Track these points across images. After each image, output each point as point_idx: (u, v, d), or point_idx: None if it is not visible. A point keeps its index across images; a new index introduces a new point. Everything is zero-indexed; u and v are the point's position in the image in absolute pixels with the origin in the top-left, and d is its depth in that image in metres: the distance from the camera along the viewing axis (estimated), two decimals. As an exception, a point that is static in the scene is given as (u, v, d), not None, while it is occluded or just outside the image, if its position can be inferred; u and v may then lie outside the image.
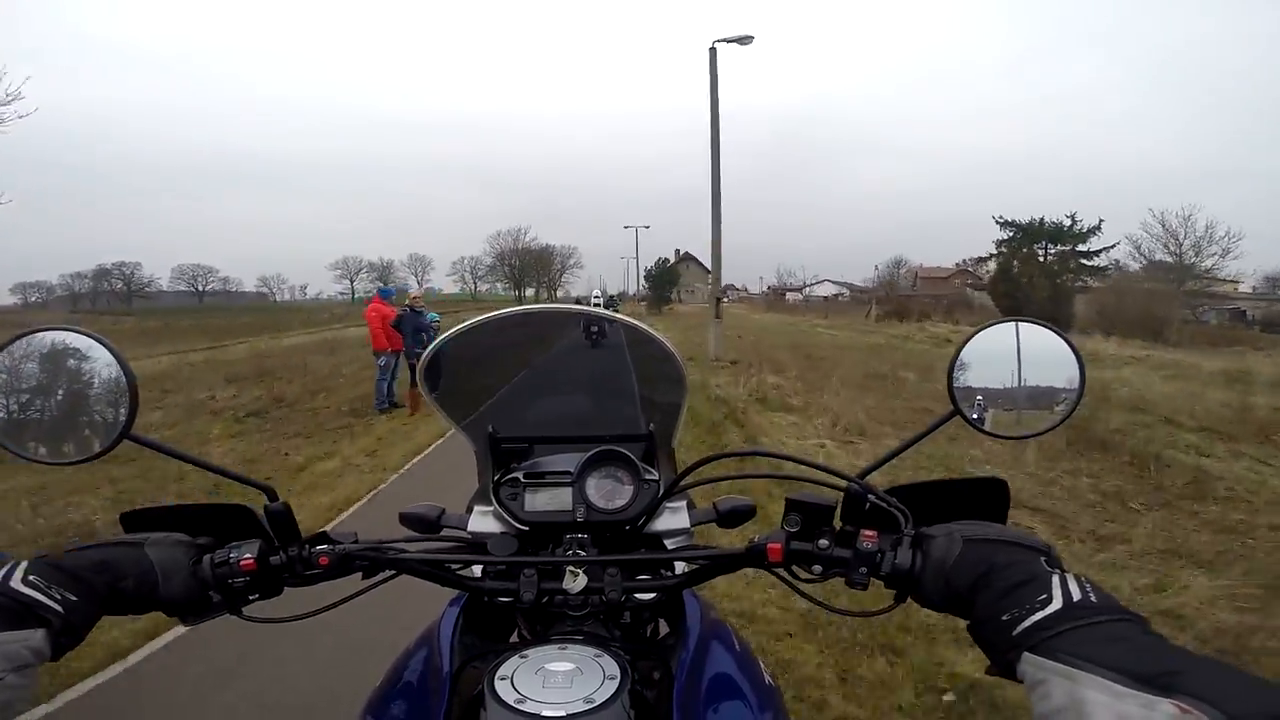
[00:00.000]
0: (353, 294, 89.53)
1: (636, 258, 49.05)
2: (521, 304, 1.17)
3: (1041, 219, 31.05)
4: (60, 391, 0.60)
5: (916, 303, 35.09)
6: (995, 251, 32.53)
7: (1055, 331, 0.63)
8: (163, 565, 0.58)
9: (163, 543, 0.60)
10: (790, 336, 18.86)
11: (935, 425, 0.64)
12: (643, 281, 45.12)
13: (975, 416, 0.64)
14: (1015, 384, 0.64)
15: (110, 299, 73.78)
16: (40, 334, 0.59)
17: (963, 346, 0.64)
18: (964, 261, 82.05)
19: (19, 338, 0.58)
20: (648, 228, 49.76)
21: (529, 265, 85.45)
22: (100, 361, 0.59)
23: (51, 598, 0.50)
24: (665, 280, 42.97)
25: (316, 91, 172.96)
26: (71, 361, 0.59)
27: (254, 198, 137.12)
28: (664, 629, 0.82)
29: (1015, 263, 29.78)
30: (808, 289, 62.93)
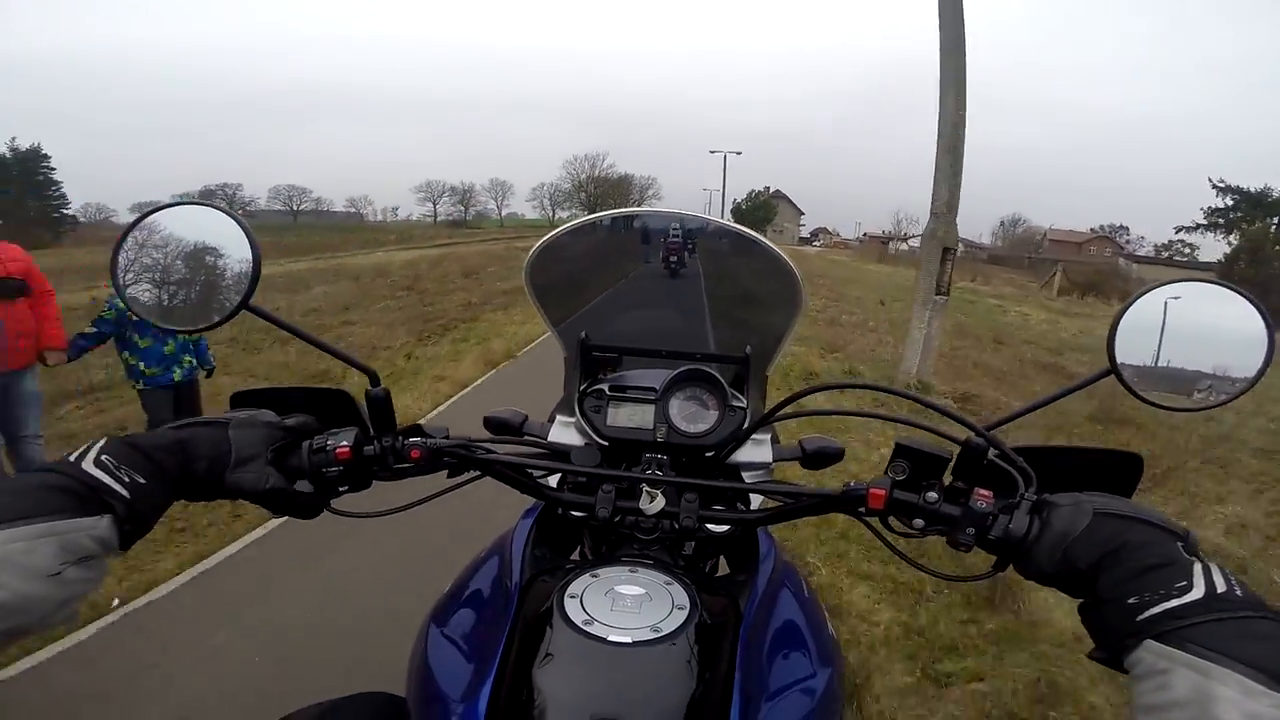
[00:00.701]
0: (435, 215, 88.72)
1: (723, 187, 41.63)
2: None
3: (1266, 188, 25.09)
4: (190, 262, 0.62)
5: (1106, 276, 28.57)
6: (1208, 221, 25.48)
7: (1243, 294, 0.55)
8: (239, 448, 0.57)
9: (246, 423, 0.59)
10: (970, 318, 12.81)
11: (1086, 382, 0.58)
12: (728, 216, 38.98)
13: (1131, 378, 0.58)
14: (1187, 350, 0.58)
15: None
16: (177, 208, 0.61)
17: (1131, 304, 0.57)
18: (1101, 227, 71.41)
19: (157, 210, 0.60)
20: (739, 153, 42.12)
21: (606, 193, 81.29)
22: (229, 236, 0.60)
23: (120, 480, 0.48)
24: (758, 216, 37.17)
25: (405, 28, 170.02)
26: (203, 235, 0.62)
27: (344, 128, 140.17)
28: (723, 568, 0.80)
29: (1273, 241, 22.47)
30: (912, 240, 55.85)
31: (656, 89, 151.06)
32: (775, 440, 0.84)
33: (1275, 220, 24.20)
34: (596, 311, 0.92)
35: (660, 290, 0.97)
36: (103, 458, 0.48)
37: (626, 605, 0.55)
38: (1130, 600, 0.44)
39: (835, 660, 0.68)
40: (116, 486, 0.47)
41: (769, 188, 76.44)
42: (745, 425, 0.76)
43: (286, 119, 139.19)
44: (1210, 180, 25.20)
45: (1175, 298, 0.57)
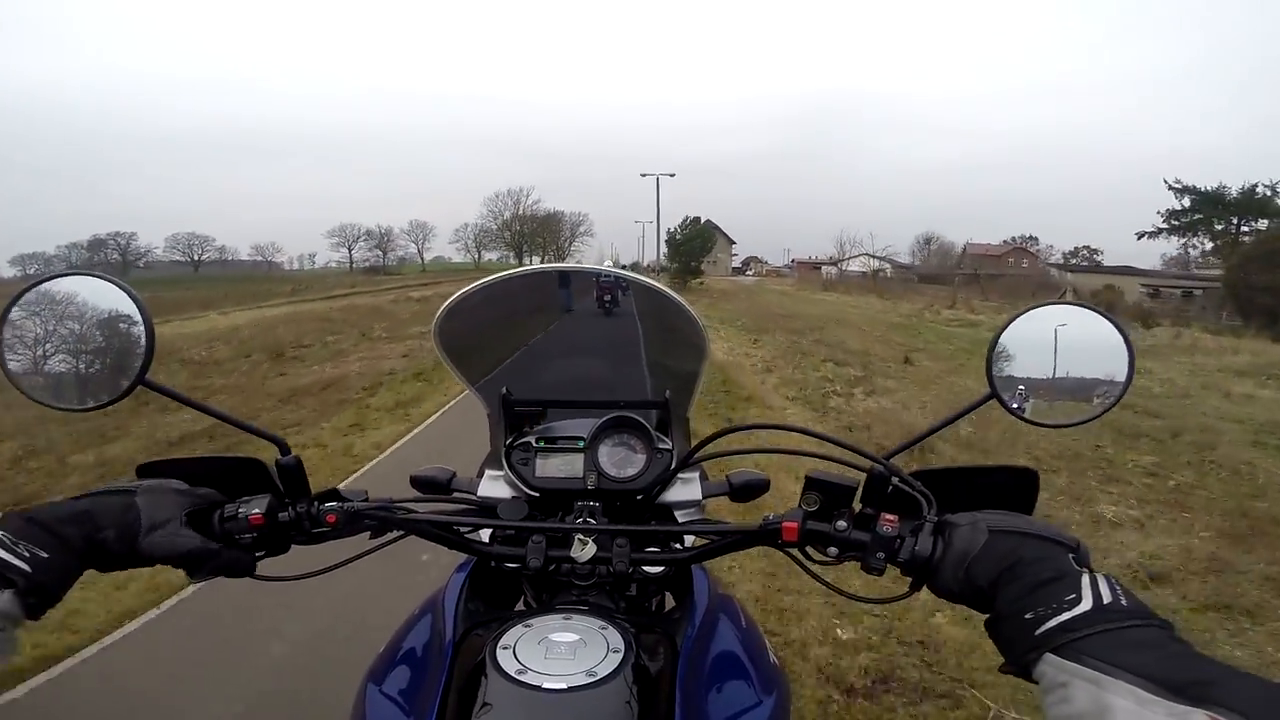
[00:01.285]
0: (350, 262, 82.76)
1: (657, 211, 38.15)
2: None
3: (1221, 186, 24.62)
4: (79, 337, 0.60)
5: (1016, 284, 27.96)
6: (1166, 225, 24.44)
7: (1107, 317, 0.61)
8: (149, 515, 0.56)
9: (155, 490, 0.58)
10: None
11: (970, 408, 0.62)
12: (663, 246, 35.26)
13: (1014, 404, 0.62)
14: (1057, 371, 0.62)
15: (106, 270, 72.04)
16: (62, 279, 0.59)
17: (1004, 329, 0.62)
18: (1013, 239, 73.34)
19: (41, 282, 0.58)
20: (672, 175, 39.04)
21: (534, 232, 77.68)
22: (121, 306, 0.59)
23: (19, 555, 0.48)
24: (694, 246, 32.68)
25: (320, 66, 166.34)
26: (91, 307, 0.60)
27: (254, 169, 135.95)
28: (670, 603, 0.82)
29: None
30: (844, 264, 55.36)
31: (586, 127, 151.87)
32: (704, 478, 0.87)
33: (1234, 219, 23.36)
34: (515, 366, 0.94)
35: (584, 338, 1.00)
36: None
37: (560, 652, 0.55)
38: (1027, 615, 0.46)
39: (779, 687, 0.70)
40: (16, 561, 0.48)
41: (700, 218, 75.66)
42: (672, 466, 0.78)
43: (187, 162, 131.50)
44: (1166, 182, 24.90)
45: (1043, 322, 0.62)
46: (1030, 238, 76.79)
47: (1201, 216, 23.64)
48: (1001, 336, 0.62)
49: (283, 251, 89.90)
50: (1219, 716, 0.34)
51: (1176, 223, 24.62)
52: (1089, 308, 0.62)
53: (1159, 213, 24.80)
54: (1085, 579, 0.46)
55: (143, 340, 0.58)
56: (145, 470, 0.65)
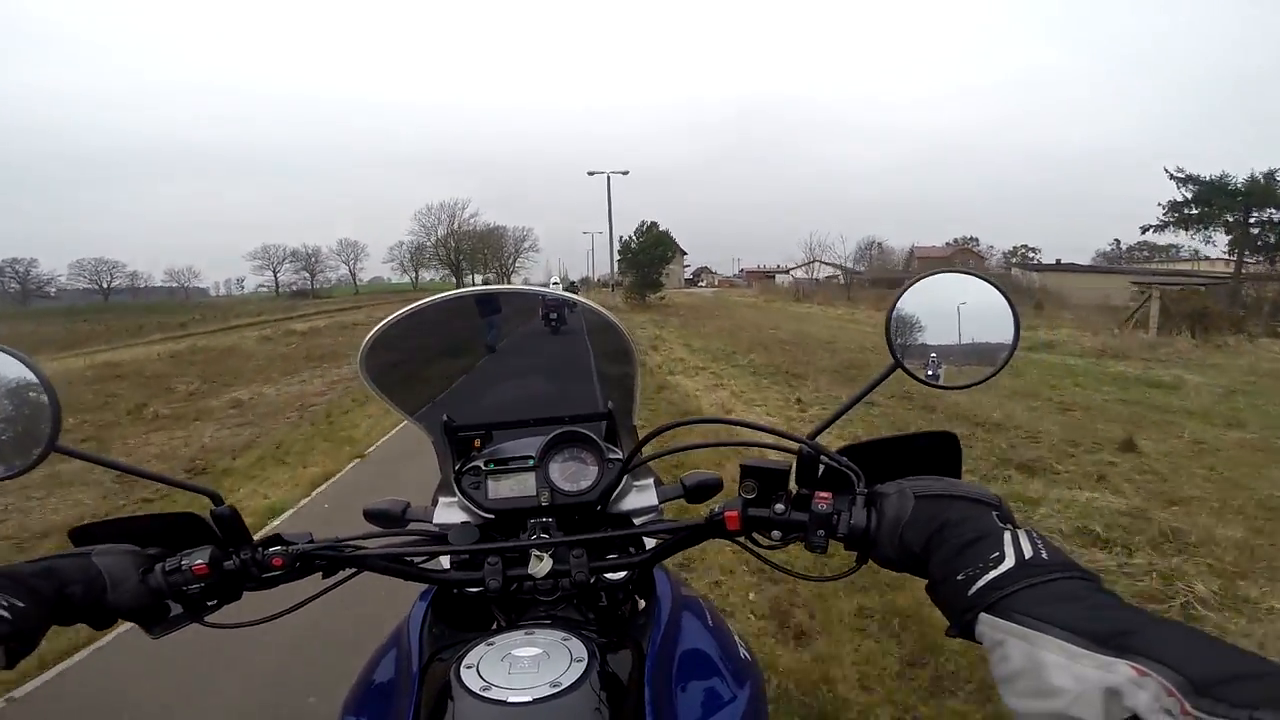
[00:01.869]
0: (276, 286, 76.27)
1: (609, 213, 34.27)
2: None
3: (1223, 176, 21.62)
4: None
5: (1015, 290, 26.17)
6: (1171, 218, 22.73)
7: (990, 282, 0.65)
8: (111, 572, 0.59)
9: (109, 552, 0.60)
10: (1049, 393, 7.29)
11: (878, 380, 0.66)
12: (616, 257, 31.50)
13: (913, 368, 0.65)
14: (952, 335, 0.66)
15: (5, 299, 70.07)
16: None
17: (898, 299, 0.65)
18: (958, 240, 74.06)
19: None
20: (626, 173, 35.06)
21: (475, 248, 72.90)
22: (14, 375, 0.59)
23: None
24: (654, 256, 28.65)
25: (238, 80, 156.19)
26: None
27: (165, 190, 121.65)
28: (641, 606, 0.83)
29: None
30: (794, 270, 54.13)
31: (524, 139, 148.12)
32: (659, 483, 0.88)
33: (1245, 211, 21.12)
34: (455, 393, 0.94)
35: (520, 357, 1.01)
36: None
37: (524, 666, 0.56)
38: (959, 576, 0.47)
39: (752, 679, 0.71)
40: None
41: (655, 223, 73.45)
42: (621, 472, 0.79)
43: (93, 182, 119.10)
44: (1167, 170, 22.11)
45: (932, 290, 0.65)
46: (971, 238, 77.57)
47: (1209, 208, 21.66)
48: (897, 305, 0.65)
49: (201, 277, 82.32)
50: (1144, 666, 0.35)
51: (1178, 215, 22.39)
52: (976, 275, 0.66)
53: (1160, 205, 22.63)
54: (1007, 535, 0.48)
55: (48, 407, 0.59)
56: (79, 534, 0.64)
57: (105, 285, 73.70)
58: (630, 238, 29.65)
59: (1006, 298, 0.64)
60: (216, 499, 0.65)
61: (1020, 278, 33.39)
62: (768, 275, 70.44)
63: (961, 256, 64.76)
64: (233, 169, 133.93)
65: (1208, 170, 21.89)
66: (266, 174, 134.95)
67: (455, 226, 74.61)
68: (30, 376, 0.59)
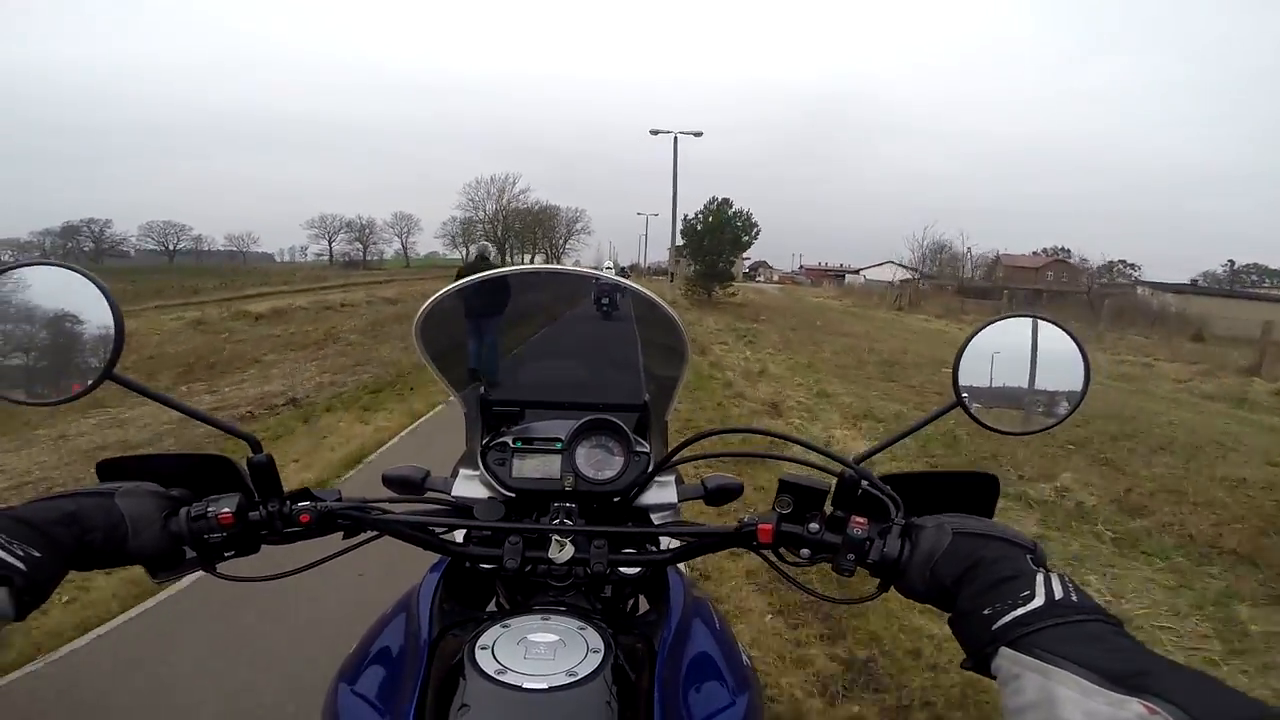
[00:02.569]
0: (330, 254, 75.18)
1: (674, 183, 27.35)
2: None
3: None
4: (44, 329, 0.60)
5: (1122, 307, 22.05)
6: None
7: (1065, 330, 0.65)
8: (133, 517, 0.58)
9: (134, 493, 0.60)
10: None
11: (936, 415, 0.67)
12: (679, 240, 25.56)
13: (974, 408, 0.67)
14: (1020, 380, 0.66)
15: (80, 258, 73.25)
16: (26, 269, 0.59)
17: (971, 338, 0.66)
18: (1048, 250, 66.50)
19: (6, 270, 0.59)
20: (699, 134, 26.87)
21: (526, 227, 69.88)
22: (87, 299, 0.59)
23: (14, 554, 0.50)
24: (724, 240, 22.14)
25: (309, 50, 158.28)
26: (58, 298, 0.59)
27: (234, 158, 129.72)
28: (644, 605, 0.84)
29: None
30: (865, 271, 49.14)
31: (583, 124, 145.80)
32: (680, 481, 0.89)
33: None
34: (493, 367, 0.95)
35: (565, 340, 1.02)
36: None
37: (540, 652, 0.56)
38: (985, 611, 0.49)
39: (751, 686, 0.72)
40: (12, 560, 0.49)
41: (725, 199, 69.34)
42: (650, 469, 0.80)
43: (166, 150, 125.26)
44: None
45: (1005, 333, 0.66)
46: (1062, 249, 69.73)
47: None
48: (966, 350, 0.66)
49: (260, 242, 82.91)
50: (1154, 705, 0.37)
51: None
52: (1051, 321, 0.66)
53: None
54: (1040, 577, 0.50)
55: (111, 333, 0.59)
56: (106, 467, 0.65)
57: (171, 247, 75.93)
58: (696, 217, 23.07)
59: (1080, 346, 0.64)
60: (256, 445, 0.65)
61: (1149, 299, 27.99)
62: (833, 274, 65.29)
63: (1055, 268, 58.71)
64: (298, 140, 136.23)
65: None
66: (331, 147, 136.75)
67: (504, 202, 72.29)
68: (102, 301, 0.58)
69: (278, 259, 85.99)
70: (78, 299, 0.59)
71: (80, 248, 71.17)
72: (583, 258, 74.44)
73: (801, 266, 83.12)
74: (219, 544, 0.62)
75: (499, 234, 70.10)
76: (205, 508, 0.61)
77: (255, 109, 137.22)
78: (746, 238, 23.74)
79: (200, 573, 0.64)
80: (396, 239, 78.03)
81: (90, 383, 0.59)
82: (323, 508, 0.66)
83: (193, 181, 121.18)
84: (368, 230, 76.84)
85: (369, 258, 77.90)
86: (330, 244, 78.33)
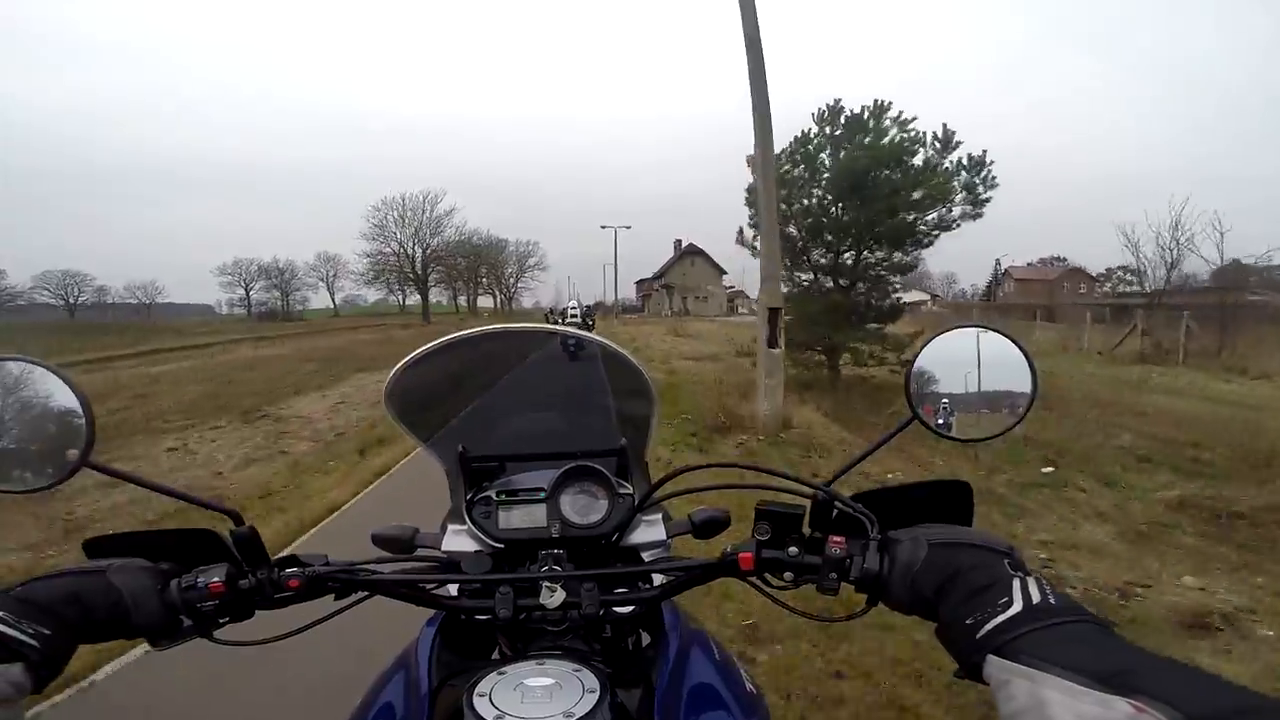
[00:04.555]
0: (248, 305, 63.61)
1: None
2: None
3: None
4: (13, 420, 0.64)
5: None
6: None
7: (1009, 337, 0.70)
8: (130, 592, 0.62)
9: (126, 569, 0.64)
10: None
11: (895, 431, 0.72)
12: (624, 291, 22.57)
13: (937, 421, 0.71)
14: (971, 388, 0.70)
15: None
16: None
17: (919, 353, 0.71)
18: (1054, 259, 59.18)
19: None
20: (628, 228, 27.85)
21: (470, 264, 59.16)
22: (54, 390, 0.63)
23: (25, 632, 0.54)
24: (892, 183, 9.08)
25: (235, 90, 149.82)
26: (23, 390, 0.63)
27: (137, 204, 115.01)
28: (646, 640, 0.88)
29: None
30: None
31: (545, 161, 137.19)
32: (667, 518, 0.93)
33: None
34: (470, 422, 1.00)
35: (537, 391, 1.07)
36: (0, 614, 0.55)
37: (536, 696, 0.58)
38: (969, 620, 0.51)
39: (758, 713, 0.75)
40: (24, 638, 0.54)
41: (681, 242, 60.18)
42: (633, 509, 0.86)
43: (59, 194, 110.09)
44: None
45: (952, 345, 0.71)
46: (1058, 258, 62.88)
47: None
48: (916, 364, 0.71)
49: (163, 292, 71.68)
50: (1145, 703, 0.37)
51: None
52: (994, 330, 0.70)
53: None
54: (1016, 582, 0.52)
55: (81, 422, 0.63)
56: (93, 545, 0.68)
57: (71, 300, 68.32)
58: (812, 135, 10.50)
59: (1024, 351, 0.69)
60: (237, 519, 0.69)
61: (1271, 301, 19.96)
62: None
63: (1070, 278, 53.74)
64: (219, 184, 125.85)
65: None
66: (256, 190, 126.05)
67: (422, 228, 57.84)
68: (68, 391, 0.62)
69: (191, 310, 74.98)
70: (44, 390, 0.62)
71: None
72: (541, 297, 65.11)
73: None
74: (212, 612, 0.66)
75: (415, 269, 57.15)
76: (195, 578, 0.65)
77: (162, 150, 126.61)
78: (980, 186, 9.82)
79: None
80: (321, 283, 67.60)
81: (68, 470, 0.63)
82: (310, 573, 0.69)
83: (91, 226, 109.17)
84: (288, 275, 66.84)
85: (291, 305, 66.98)
86: (248, 292, 67.45)
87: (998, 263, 57.18)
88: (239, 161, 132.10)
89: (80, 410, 0.62)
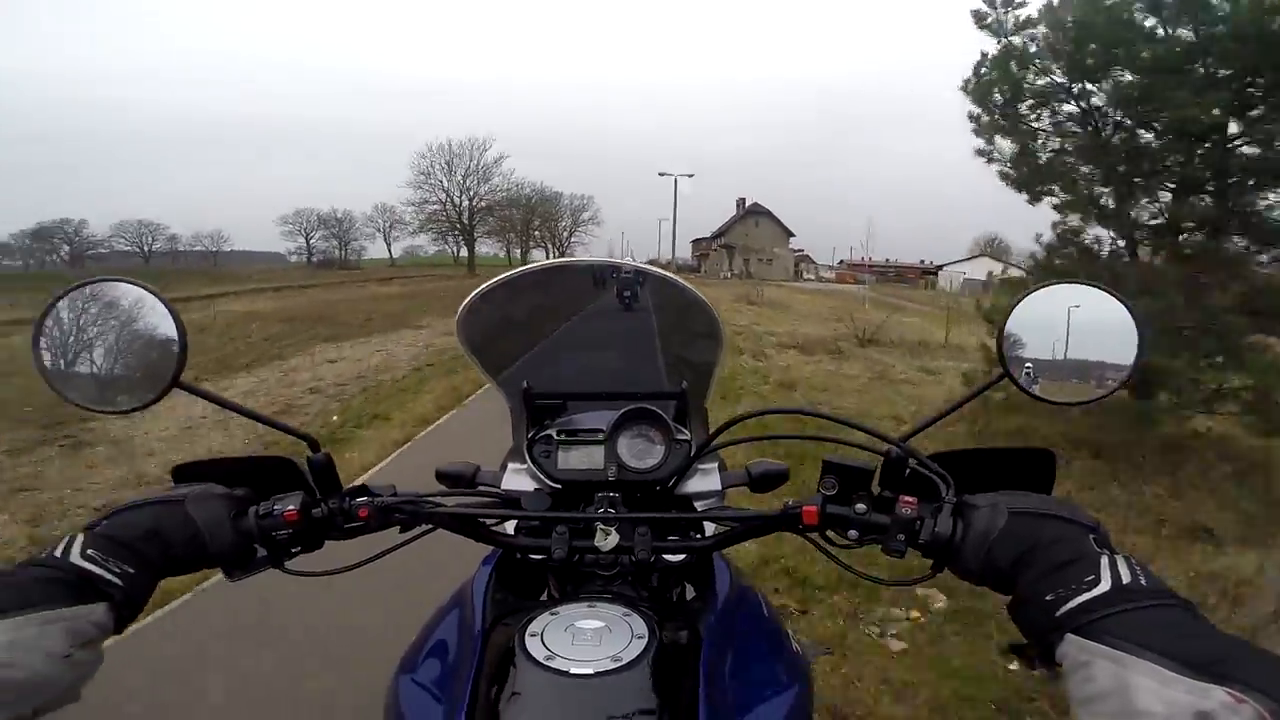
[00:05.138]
0: (308, 254, 64.25)
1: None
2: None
3: None
4: (113, 341, 0.65)
5: None
6: None
7: (1114, 294, 0.65)
8: (206, 523, 0.63)
9: (202, 497, 0.65)
10: None
11: (984, 388, 0.68)
12: (684, 247, 18.45)
13: (1025, 383, 0.67)
14: (1068, 350, 0.66)
15: (53, 260, 68.25)
16: (94, 285, 0.65)
17: (1014, 306, 0.67)
18: None
19: (74, 289, 0.64)
20: (690, 176, 23.67)
21: (525, 216, 57.13)
22: (152, 311, 0.64)
23: (110, 570, 0.54)
24: None
25: (296, 54, 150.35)
26: (124, 312, 0.64)
27: (206, 156, 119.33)
28: (690, 593, 0.88)
29: None
30: (955, 268, 37.19)
31: (609, 127, 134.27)
32: (723, 468, 0.92)
33: None
34: (536, 361, 0.99)
35: (602, 331, 1.04)
36: (89, 551, 0.55)
37: (586, 639, 0.59)
38: (1048, 597, 0.50)
39: (801, 677, 0.74)
40: (110, 576, 0.54)
41: (743, 200, 56.33)
42: (690, 455, 0.85)
43: (137, 148, 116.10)
44: None
45: (1052, 300, 0.66)
46: None
47: None
48: (1013, 313, 0.67)
49: (229, 241, 73.31)
50: (1239, 693, 0.36)
51: None
52: (1099, 287, 0.66)
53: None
54: (1105, 560, 0.50)
55: (175, 343, 0.63)
56: (180, 472, 0.70)
57: (146, 248, 72.16)
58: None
59: (1132, 312, 0.64)
60: (315, 445, 0.70)
61: None
62: (907, 273, 52.98)
63: None
64: (286, 141, 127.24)
65: None
66: (312, 148, 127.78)
67: (468, 177, 53.95)
68: (166, 314, 0.63)
69: (260, 257, 76.80)
70: (144, 312, 0.63)
71: (57, 250, 67.75)
72: (592, 252, 62.91)
73: (842, 262, 70.78)
74: (285, 541, 0.67)
75: (461, 220, 53.80)
76: (271, 506, 0.66)
77: (228, 110, 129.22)
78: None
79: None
80: (378, 234, 67.15)
81: (159, 391, 0.63)
82: (380, 502, 0.70)
83: (160, 180, 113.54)
84: (345, 225, 66.60)
85: (349, 255, 67.22)
86: (308, 241, 67.93)
87: None
88: (319, 118, 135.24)
89: (175, 331, 0.63)
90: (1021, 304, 0.66)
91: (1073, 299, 0.65)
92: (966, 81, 5.59)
